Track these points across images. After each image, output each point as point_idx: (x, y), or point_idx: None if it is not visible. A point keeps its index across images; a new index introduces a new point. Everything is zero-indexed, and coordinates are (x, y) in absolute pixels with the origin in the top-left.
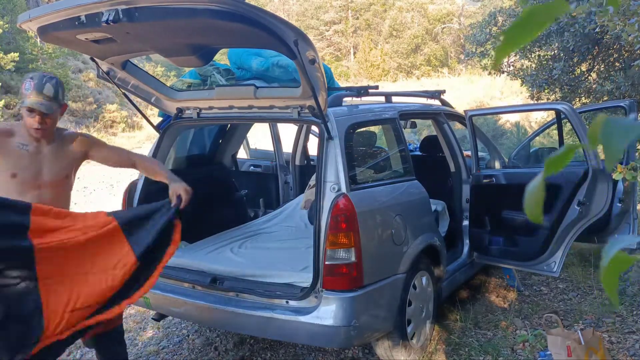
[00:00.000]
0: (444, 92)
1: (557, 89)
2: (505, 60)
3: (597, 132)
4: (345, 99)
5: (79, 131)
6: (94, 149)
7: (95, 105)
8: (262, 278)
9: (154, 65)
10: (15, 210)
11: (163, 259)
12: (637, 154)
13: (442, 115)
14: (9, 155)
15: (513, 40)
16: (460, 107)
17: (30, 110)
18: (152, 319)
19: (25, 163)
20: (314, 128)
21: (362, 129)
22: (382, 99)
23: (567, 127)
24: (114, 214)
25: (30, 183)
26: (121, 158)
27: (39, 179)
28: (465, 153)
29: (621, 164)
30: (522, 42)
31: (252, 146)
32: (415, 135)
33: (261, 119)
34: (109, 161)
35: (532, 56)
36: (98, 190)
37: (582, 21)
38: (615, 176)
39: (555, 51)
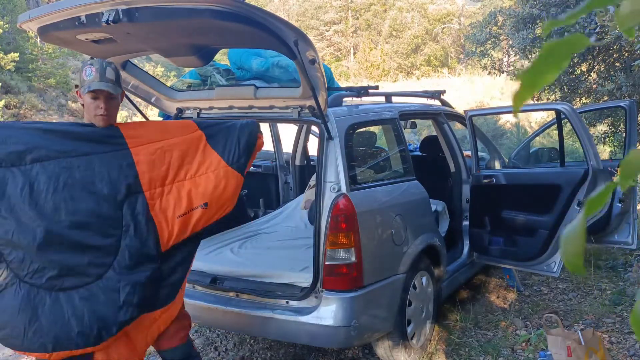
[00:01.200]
0: (444, 92)
1: (557, 89)
2: (505, 60)
3: (633, 165)
4: (345, 99)
5: None
6: None
7: None
8: (262, 278)
9: (154, 66)
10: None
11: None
12: None
13: (442, 116)
14: None
15: (532, 82)
16: (460, 107)
17: (95, 97)
18: None
19: None
20: (314, 128)
21: (362, 129)
22: (382, 99)
23: (567, 127)
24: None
25: None
26: None
27: None
28: (465, 153)
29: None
30: (542, 82)
31: None
32: (415, 135)
33: (261, 119)
34: None
35: (532, 56)
36: None
37: (583, 21)
38: (616, 180)
39: None
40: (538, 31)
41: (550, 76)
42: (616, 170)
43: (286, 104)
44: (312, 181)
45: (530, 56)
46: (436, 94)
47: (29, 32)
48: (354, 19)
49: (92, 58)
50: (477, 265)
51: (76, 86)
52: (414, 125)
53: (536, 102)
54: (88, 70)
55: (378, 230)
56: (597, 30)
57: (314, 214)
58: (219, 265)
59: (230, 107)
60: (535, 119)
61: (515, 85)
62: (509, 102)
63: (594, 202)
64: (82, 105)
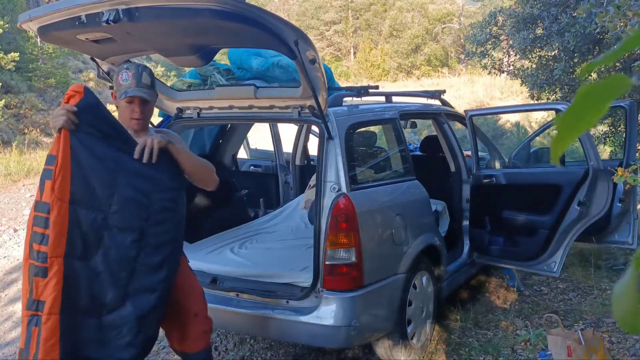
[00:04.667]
0: (444, 92)
1: (557, 89)
2: (506, 60)
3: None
4: (345, 99)
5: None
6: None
7: None
8: (262, 278)
9: (154, 65)
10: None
11: None
12: (637, 154)
13: (442, 115)
14: None
15: (571, 127)
16: (460, 107)
17: (130, 101)
18: None
19: None
20: (314, 128)
21: (362, 129)
22: (382, 99)
23: None
24: None
25: None
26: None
27: None
28: (466, 153)
29: (621, 166)
30: (583, 127)
31: (252, 146)
32: (415, 135)
33: (261, 119)
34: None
35: (533, 56)
36: None
37: (583, 21)
38: (616, 179)
39: (556, 51)
40: (538, 31)
41: (591, 120)
42: (616, 170)
43: (286, 104)
44: (312, 181)
45: (530, 56)
46: (436, 94)
47: (29, 31)
48: (354, 18)
49: (128, 61)
50: (477, 265)
51: (111, 87)
52: (414, 125)
53: (536, 102)
54: (124, 74)
55: (378, 230)
56: (597, 30)
57: (314, 213)
58: (219, 265)
59: (231, 107)
60: (535, 118)
61: (514, 84)
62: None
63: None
64: (116, 106)
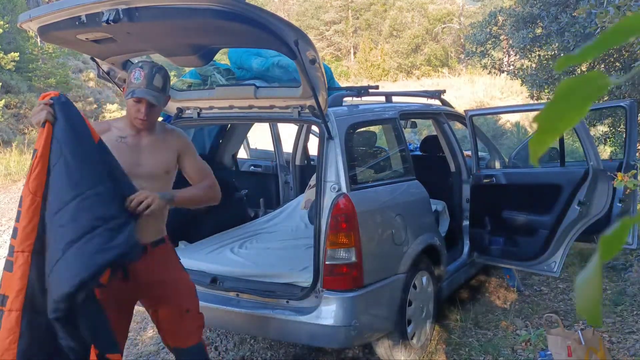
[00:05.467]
0: (444, 92)
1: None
2: (506, 60)
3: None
4: (345, 98)
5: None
6: (186, 156)
7: (95, 105)
8: (262, 278)
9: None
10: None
11: None
12: (637, 154)
13: (442, 115)
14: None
15: (552, 126)
16: (460, 107)
17: (138, 100)
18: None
19: (123, 155)
20: (314, 128)
21: (362, 129)
22: (382, 98)
23: None
24: None
25: (129, 173)
26: (197, 180)
27: (136, 169)
28: (466, 153)
29: (620, 167)
30: (563, 127)
31: (252, 146)
32: (415, 135)
33: (261, 119)
34: (190, 178)
35: (532, 56)
36: None
37: (583, 21)
38: (616, 184)
39: (556, 51)
40: (538, 31)
41: (572, 119)
42: (615, 174)
43: (286, 104)
44: (312, 181)
45: (530, 56)
46: (436, 94)
47: (29, 31)
48: (354, 18)
49: (145, 60)
50: (477, 265)
51: (124, 81)
52: (414, 125)
53: (536, 102)
54: (137, 73)
55: (378, 230)
56: (597, 30)
57: (314, 213)
58: (219, 265)
59: (231, 107)
60: None
61: (514, 84)
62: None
63: (609, 241)
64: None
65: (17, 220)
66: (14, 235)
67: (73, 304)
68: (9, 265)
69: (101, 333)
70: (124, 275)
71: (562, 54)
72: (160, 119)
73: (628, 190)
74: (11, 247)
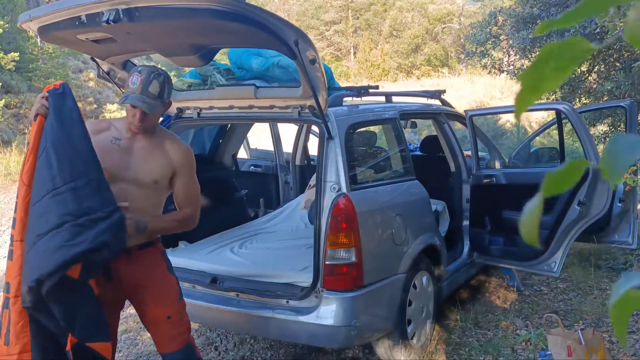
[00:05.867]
0: (444, 92)
1: (557, 89)
2: (506, 60)
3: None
4: (345, 98)
5: (184, 142)
6: (181, 175)
7: (95, 105)
8: (262, 278)
9: (155, 65)
10: None
11: None
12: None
13: (443, 115)
14: (101, 150)
15: (534, 85)
16: (460, 107)
17: (134, 106)
18: None
19: (114, 157)
20: (314, 128)
21: (362, 129)
22: (383, 98)
23: (567, 127)
24: None
25: (116, 176)
26: (181, 202)
27: (123, 173)
28: (466, 153)
29: None
30: (545, 87)
31: (252, 146)
32: (415, 135)
33: (261, 119)
34: (176, 197)
35: (532, 56)
36: None
37: (583, 21)
38: None
39: None
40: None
41: (553, 81)
42: None
43: (286, 104)
44: (312, 181)
45: (530, 56)
46: (436, 94)
47: (29, 31)
48: (354, 18)
49: (146, 65)
50: (477, 265)
51: (124, 81)
52: (414, 125)
53: (536, 102)
54: (135, 77)
55: (378, 230)
56: (597, 30)
57: (314, 213)
58: (219, 265)
59: (231, 107)
60: (535, 118)
61: (516, 86)
62: (509, 102)
63: (555, 180)
64: None
65: (15, 211)
66: (13, 226)
67: (39, 295)
68: (10, 255)
69: (80, 322)
70: (105, 274)
71: None
72: (160, 119)
73: (628, 187)
74: (11, 237)
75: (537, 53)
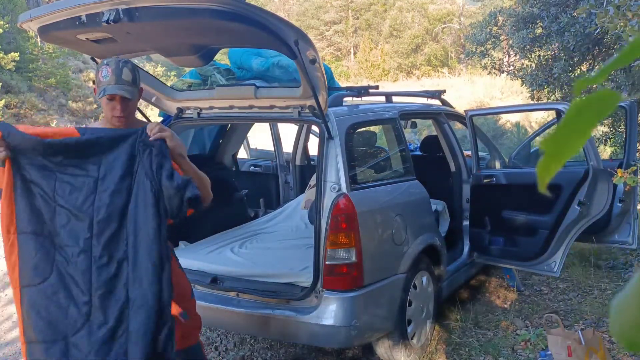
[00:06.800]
0: (444, 92)
1: (557, 89)
2: (506, 60)
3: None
4: (345, 98)
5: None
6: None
7: (95, 105)
8: (262, 278)
9: (155, 65)
10: None
11: None
12: (637, 154)
13: (443, 115)
14: None
15: (559, 150)
16: (460, 107)
17: (111, 98)
18: None
19: None
20: (315, 128)
21: (362, 129)
22: (383, 99)
23: None
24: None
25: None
26: None
27: None
28: (466, 153)
29: (620, 167)
30: (571, 151)
31: (252, 146)
32: (415, 135)
33: (261, 119)
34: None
35: (532, 56)
36: None
37: (583, 21)
38: (615, 181)
39: (556, 51)
40: (538, 31)
41: (579, 142)
42: (616, 171)
43: (286, 104)
44: (313, 181)
45: (530, 56)
46: (436, 94)
47: (29, 31)
48: (354, 18)
49: (110, 58)
50: (477, 265)
51: (93, 82)
52: (414, 125)
53: (536, 102)
54: (104, 71)
55: (378, 230)
56: (597, 30)
57: (314, 213)
58: (219, 265)
59: (231, 107)
60: (536, 118)
61: (514, 84)
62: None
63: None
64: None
65: None
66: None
67: None
68: None
69: None
70: None
71: (562, 54)
72: (160, 119)
73: (628, 187)
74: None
75: (566, 113)
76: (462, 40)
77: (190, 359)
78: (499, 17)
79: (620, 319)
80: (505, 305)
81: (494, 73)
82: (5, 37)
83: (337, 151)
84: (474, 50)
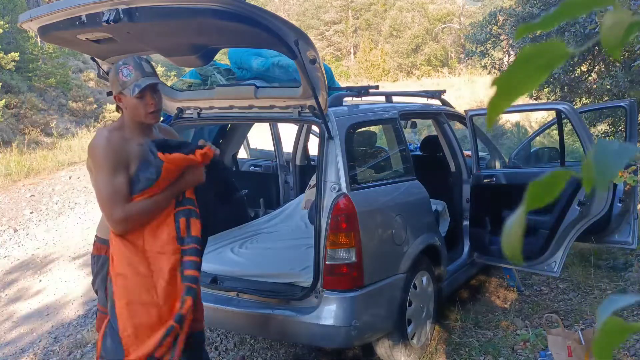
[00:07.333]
0: (444, 92)
1: (557, 89)
2: (506, 60)
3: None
4: (345, 98)
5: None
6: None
7: (95, 105)
8: (262, 278)
9: (155, 65)
10: None
11: None
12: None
13: (443, 115)
14: (136, 160)
15: (509, 90)
16: (460, 107)
17: (141, 96)
18: None
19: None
20: (315, 128)
21: (362, 129)
22: (383, 99)
23: (567, 127)
24: None
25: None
26: None
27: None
28: (466, 153)
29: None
30: (520, 91)
31: (252, 146)
32: (415, 135)
33: (261, 119)
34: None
35: None
36: None
37: (583, 21)
38: (615, 180)
39: None
40: (538, 31)
41: (527, 86)
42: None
43: (286, 104)
44: (313, 181)
45: None
46: (436, 94)
47: (29, 31)
48: (354, 18)
49: (129, 56)
50: (477, 265)
51: (109, 93)
52: (414, 125)
53: (536, 102)
54: (125, 70)
55: (378, 230)
56: (597, 30)
57: (314, 213)
58: (219, 265)
59: (231, 107)
60: (536, 118)
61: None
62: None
63: (539, 190)
64: (121, 109)
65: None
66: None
67: None
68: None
69: None
70: None
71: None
72: (160, 118)
73: (628, 187)
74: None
75: (516, 58)
76: (462, 40)
77: (200, 342)
78: (499, 17)
79: (508, 239)
80: (505, 305)
81: (494, 73)
82: (5, 37)
83: (337, 151)
84: (474, 50)
